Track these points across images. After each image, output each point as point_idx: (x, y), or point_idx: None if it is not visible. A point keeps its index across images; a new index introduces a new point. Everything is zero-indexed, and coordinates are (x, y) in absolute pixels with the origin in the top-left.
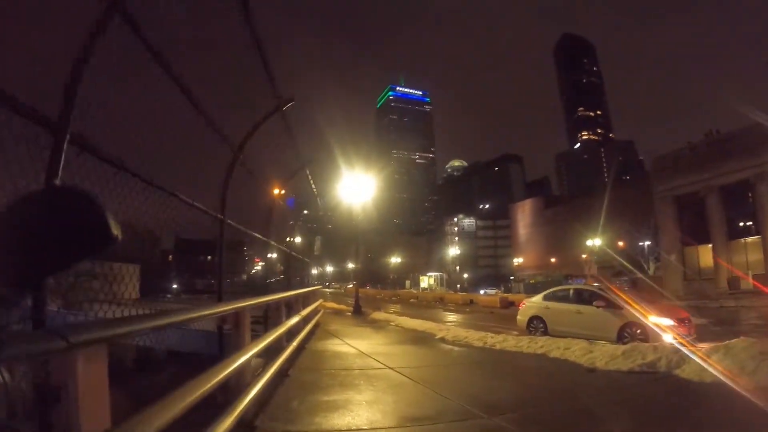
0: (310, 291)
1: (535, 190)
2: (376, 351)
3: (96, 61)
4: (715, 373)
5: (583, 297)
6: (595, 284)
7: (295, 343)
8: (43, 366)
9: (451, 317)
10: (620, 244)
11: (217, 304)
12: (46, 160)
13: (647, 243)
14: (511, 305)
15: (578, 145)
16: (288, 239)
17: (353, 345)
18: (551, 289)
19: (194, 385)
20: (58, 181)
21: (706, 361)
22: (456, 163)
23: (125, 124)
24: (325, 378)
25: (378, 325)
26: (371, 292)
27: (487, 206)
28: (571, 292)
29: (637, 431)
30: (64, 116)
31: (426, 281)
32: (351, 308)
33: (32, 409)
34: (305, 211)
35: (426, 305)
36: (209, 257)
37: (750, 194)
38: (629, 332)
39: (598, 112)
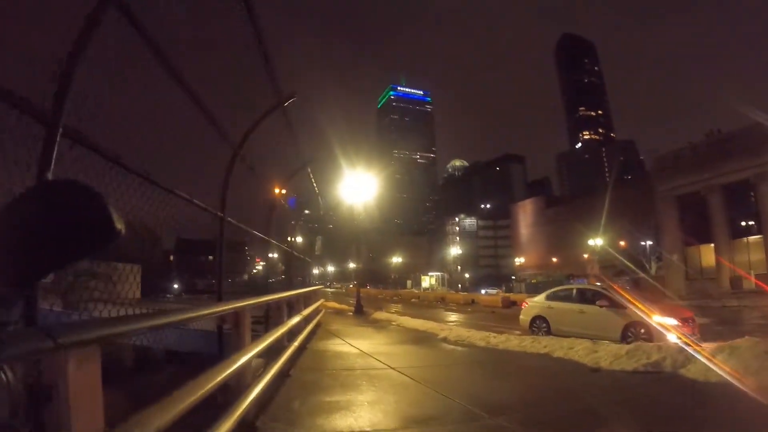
0: (311, 291)
1: (536, 190)
2: (378, 351)
3: (92, 54)
4: (720, 372)
5: (586, 297)
6: (598, 284)
7: (296, 343)
8: (35, 365)
9: (453, 317)
10: (622, 243)
11: (216, 304)
12: (38, 153)
13: (649, 243)
14: (513, 305)
15: (579, 144)
16: (289, 239)
17: (355, 345)
18: (554, 289)
19: (193, 386)
20: (50, 175)
21: (711, 361)
22: (457, 162)
23: (122, 120)
24: (326, 378)
25: (380, 325)
26: (372, 292)
27: (488, 206)
28: (574, 291)
29: None
30: (58, 108)
31: (427, 281)
32: (352, 308)
33: (27, 409)
34: (306, 211)
35: (427, 305)
36: (210, 257)
37: (752, 194)
38: (633, 332)
39: (599, 112)
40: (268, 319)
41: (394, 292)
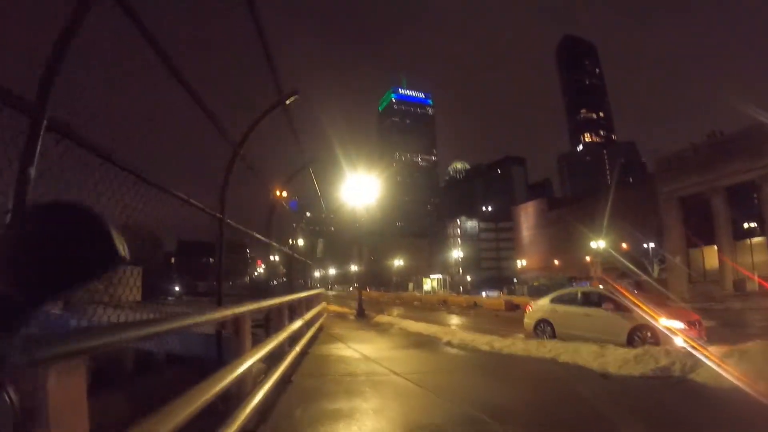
0: (313, 294)
1: (538, 192)
2: (381, 356)
3: (83, 43)
4: (731, 377)
5: (591, 300)
6: (601, 286)
7: (298, 348)
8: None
9: (456, 320)
10: (624, 245)
11: (214, 310)
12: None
13: (651, 245)
14: (516, 308)
15: (580, 146)
16: (291, 241)
17: (357, 349)
18: (558, 292)
19: (192, 395)
20: (33, 171)
21: (721, 366)
22: (458, 165)
23: (117, 116)
24: (329, 384)
25: (382, 329)
26: (374, 295)
27: (489, 208)
28: (579, 294)
29: None
30: (42, 97)
31: (429, 283)
32: (354, 311)
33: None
34: (308, 214)
35: (429, 308)
36: (211, 259)
37: (755, 195)
38: (639, 335)
39: (600, 114)
40: (268, 322)
41: (395, 295)
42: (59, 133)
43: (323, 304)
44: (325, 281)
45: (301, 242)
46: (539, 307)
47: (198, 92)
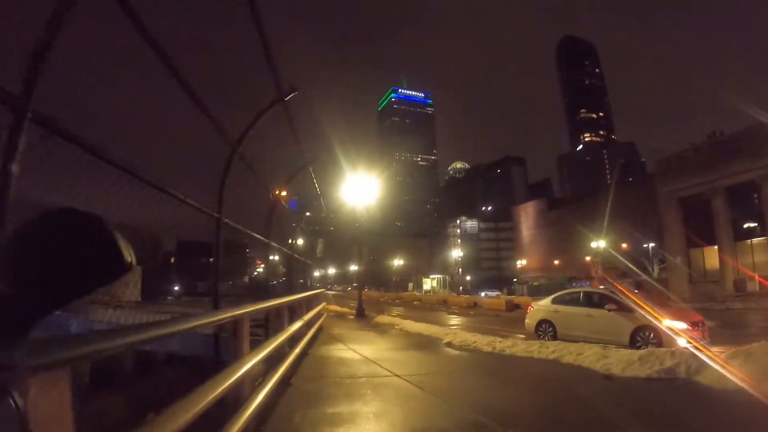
0: (312, 294)
1: (537, 192)
2: (382, 357)
3: (76, 38)
4: (736, 379)
5: (593, 300)
6: (601, 287)
7: (297, 349)
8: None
9: (456, 320)
10: (624, 245)
11: (211, 313)
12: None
13: (651, 245)
14: (516, 308)
15: (580, 146)
16: (290, 241)
17: (358, 350)
18: (560, 292)
19: (186, 404)
20: (15, 167)
21: (726, 367)
22: (458, 165)
23: (112, 114)
24: (329, 387)
25: (382, 329)
26: (374, 295)
27: (489, 208)
28: (581, 295)
29: None
30: (27, 90)
31: (429, 283)
32: (354, 311)
33: None
34: (307, 213)
35: (429, 308)
36: (211, 259)
37: (755, 195)
38: (642, 336)
39: (600, 114)
40: (268, 322)
41: (395, 295)
42: (45, 128)
43: (323, 304)
44: (324, 281)
45: (300, 242)
46: (541, 307)
47: (197, 92)
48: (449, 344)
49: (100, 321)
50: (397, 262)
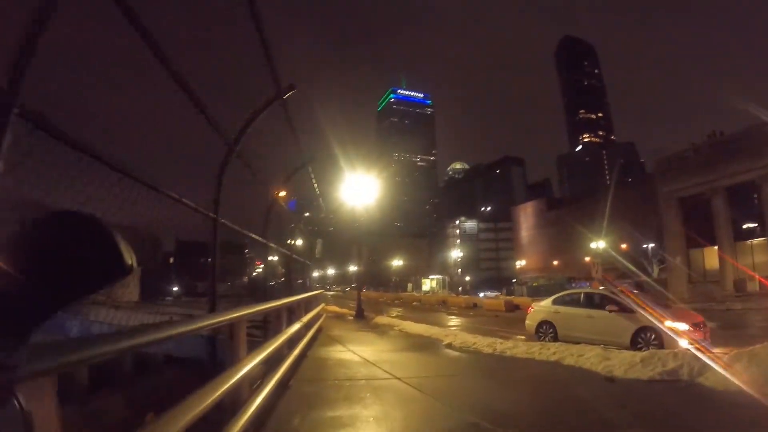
0: (311, 296)
1: (537, 193)
2: (382, 359)
3: (68, 32)
4: (740, 381)
5: (594, 301)
6: (601, 287)
7: (296, 351)
8: None
9: (456, 321)
10: (623, 246)
11: (207, 316)
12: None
13: (650, 245)
14: (516, 309)
15: (579, 147)
16: (290, 241)
17: (357, 352)
18: (561, 293)
19: (182, 408)
20: (0, 163)
21: (729, 369)
22: (457, 165)
23: (107, 111)
24: (328, 390)
25: (381, 330)
26: (373, 295)
27: (488, 208)
28: (582, 296)
29: None
30: (14, 82)
31: (428, 284)
32: (353, 312)
33: None
34: (306, 214)
35: (429, 308)
36: (210, 260)
37: (755, 195)
38: (643, 337)
39: (600, 115)
40: (267, 323)
41: (395, 296)
42: (35, 124)
43: (322, 305)
44: (324, 281)
45: (299, 242)
46: (541, 308)
47: (195, 90)
48: (449, 346)
49: (99, 321)
50: (397, 263)
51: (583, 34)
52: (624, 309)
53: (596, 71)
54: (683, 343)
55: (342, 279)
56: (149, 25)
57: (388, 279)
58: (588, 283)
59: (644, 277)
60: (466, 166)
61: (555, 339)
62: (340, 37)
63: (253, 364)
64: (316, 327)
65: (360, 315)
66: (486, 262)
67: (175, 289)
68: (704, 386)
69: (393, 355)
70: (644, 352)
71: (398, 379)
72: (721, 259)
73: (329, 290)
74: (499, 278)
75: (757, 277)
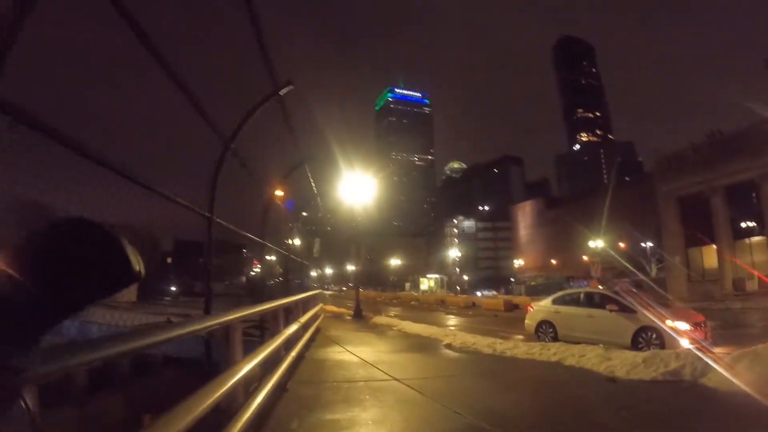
0: (309, 296)
1: (535, 192)
2: (380, 359)
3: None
4: (744, 381)
5: (594, 300)
6: (600, 287)
7: (294, 353)
8: None
9: (455, 321)
10: (621, 245)
11: (200, 318)
12: None
13: (649, 244)
14: (515, 308)
15: (577, 146)
16: (289, 241)
17: (355, 353)
18: (561, 293)
19: (177, 414)
20: None
21: (732, 369)
22: (455, 164)
23: (101, 108)
24: (326, 392)
25: (380, 330)
26: (371, 295)
27: (486, 208)
28: (582, 295)
29: None
30: None
31: (426, 283)
32: (351, 312)
33: None
34: (304, 213)
35: (427, 308)
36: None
37: (754, 194)
38: (644, 337)
39: (597, 114)
40: (264, 323)
41: (393, 295)
42: (13, 116)
43: (320, 305)
44: (321, 281)
45: (297, 242)
46: (541, 308)
47: (191, 88)
48: (449, 346)
49: (97, 322)
50: (395, 262)
51: (582, 34)
52: (624, 308)
53: (594, 70)
54: (684, 342)
55: (340, 278)
56: (141, 18)
57: (386, 278)
58: (586, 282)
59: (642, 276)
60: (464, 166)
61: (555, 339)
62: (338, 37)
63: (249, 368)
64: (314, 327)
65: (358, 315)
66: (484, 262)
67: (173, 288)
68: (708, 387)
69: (392, 356)
70: (646, 353)
71: (397, 380)
72: (720, 258)
73: (327, 290)
74: (497, 277)
75: (756, 274)
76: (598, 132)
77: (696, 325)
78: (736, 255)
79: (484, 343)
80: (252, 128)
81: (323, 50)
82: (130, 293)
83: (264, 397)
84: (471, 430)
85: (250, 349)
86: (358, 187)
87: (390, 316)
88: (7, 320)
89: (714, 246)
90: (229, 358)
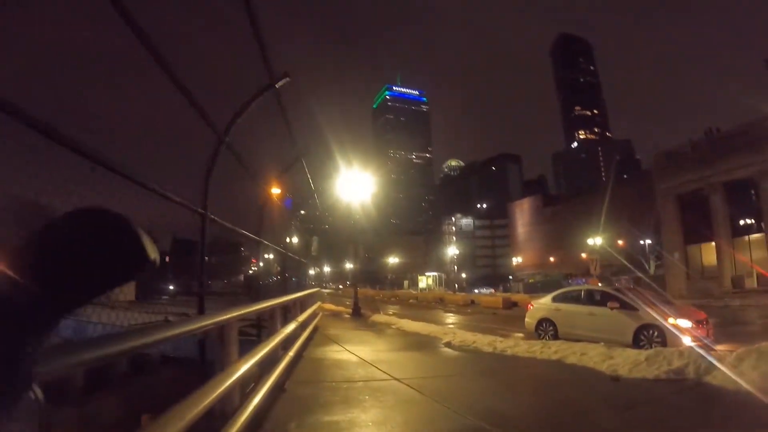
0: (307, 294)
1: (533, 189)
2: (379, 358)
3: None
4: (749, 380)
5: (595, 298)
6: (600, 284)
7: (291, 352)
8: None
9: (454, 319)
10: (620, 242)
11: (194, 319)
12: None
13: (647, 242)
14: (514, 306)
15: (575, 144)
16: (287, 239)
17: (354, 352)
18: (561, 290)
19: (172, 417)
20: None
21: (737, 367)
22: (453, 162)
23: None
24: (325, 392)
25: (379, 329)
26: (369, 293)
27: (484, 205)
28: (583, 293)
29: None
30: None
31: (424, 281)
32: (349, 309)
33: None
34: (302, 211)
35: (426, 306)
36: (207, 258)
37: (753, 191)
38: (646, 335)
39: (595, 112)
40: (261, 322)
41: (391, 293)
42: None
43: (318, 304)
44: (320, 279)
45: (295, 240)
46: (541, 306)
47: (185, 81)
48: (448, 344)
49: (94, 322)
50: (393, 260)
51: (580, 32)
52: (626, 306)
53: (592, 68)
54: (686, 340)
55: (338, 276)
56: (134, 10)
57: (384, 276)
58: (584, 280)
59: (640, 274)
60: (462, 164)
61: (555, 337)
62: (335, 35)
63: (245, 369)
64: (312, 326)
65: (357, 313)
66: (482, 259)
67: (172, 287)
68: (712, 385)
69: (391, 355)
70: (649, 351)
71: (397, 380)
72: (719, 256)
73: (325, 288)
74: (495, 275)
75: (756, 268)
76: (596, 130)
77: (698, 322)
78: (734, 252)
79: (484, 342)
80: (248, 123)
81: (322, 49)
82: (128, 292)
83: (261, 398)
84: (471, 430)
85: (247, 348)
86: (356, 185)
87: (388, 315)
88: (7, 320)
89: (713, 243)
90: (223, 359)
